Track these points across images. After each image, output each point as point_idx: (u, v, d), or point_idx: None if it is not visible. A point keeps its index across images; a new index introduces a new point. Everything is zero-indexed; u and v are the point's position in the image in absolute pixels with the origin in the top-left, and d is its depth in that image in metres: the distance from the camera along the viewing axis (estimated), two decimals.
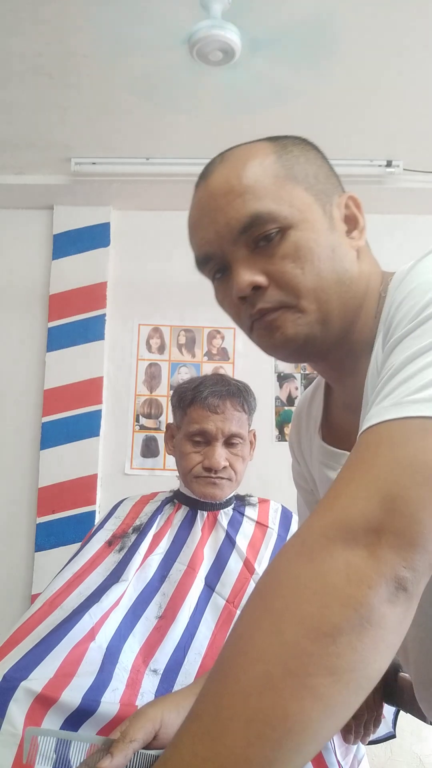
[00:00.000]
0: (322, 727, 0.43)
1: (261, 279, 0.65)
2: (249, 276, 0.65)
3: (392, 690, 1.02)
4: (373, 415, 0.52)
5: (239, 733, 0.42)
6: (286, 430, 2.29)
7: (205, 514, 1.31)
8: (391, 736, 1.15)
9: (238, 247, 0.65)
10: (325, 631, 0.43)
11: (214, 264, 0.69)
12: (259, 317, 0.67)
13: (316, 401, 0.86)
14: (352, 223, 0.70)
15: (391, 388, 0.53)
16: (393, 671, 1.02)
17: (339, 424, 0.79)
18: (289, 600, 0.46)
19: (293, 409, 2.30)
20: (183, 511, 1.32)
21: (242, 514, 1.34)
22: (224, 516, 1.31)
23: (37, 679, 0.92)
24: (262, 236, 0.64)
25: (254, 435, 1.39)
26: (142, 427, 2.31)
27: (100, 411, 2.28)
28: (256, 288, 0.65)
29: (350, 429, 0.71)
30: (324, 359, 0.73)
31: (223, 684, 0.45)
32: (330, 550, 0.46)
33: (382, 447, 0.50)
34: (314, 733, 0.43)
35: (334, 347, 0.69)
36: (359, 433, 0.53)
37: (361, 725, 1.02)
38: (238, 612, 1.15)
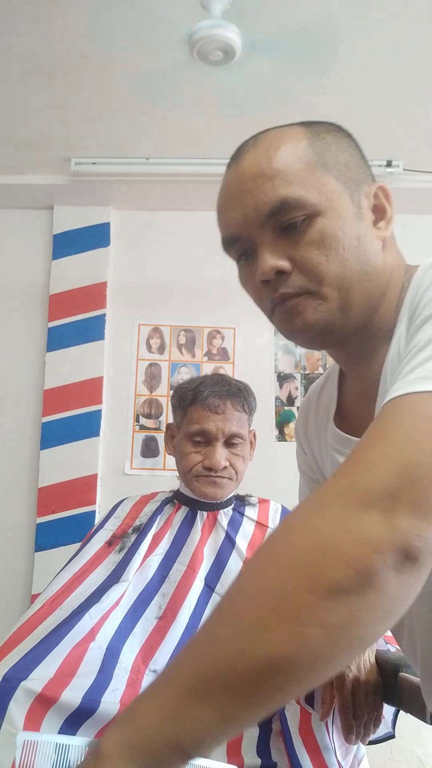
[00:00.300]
0: (307, 674, 0.45)
1: (285, 264, 0.65)
2: (273, 260, 0.65)
3: (392, 690, 1.02)
4: (398, 387, 0.53)
5: (228, 665, 0.45)
6: (286, 430, 2.29)
7: (205, 514, 1.31)
8: (391, 736, 1.15)
9: (265, 231, 0.66)
10: (324, 586, 0.44)
11: (240, 246, 0.69)
12: (280, 302, 0.67)
13: (326, 390, 0.86)
14: (380, 213, 0.70)
15: (417, 362, 0.53)
16: (393, 671, 1.02)
17: (352, 411, 0.79)
18: (296, 549, 0.47)
19: (294, 408, 2.31)
20: (183, 512, 1.32)
21: (242, 514, 1.34)
22: (224, 516, 1.31)
23: (37, 679, 0.92)
24: (289, 222, 0.65)
25: (254, 435, 1.39)
26: (142, 427, 2.31)
27: (100, 411, 2.28)
28: (280, 273, 0.66)
29: (363, 416, 0.71)
30: (343, 346, 0.73)
31: (220, 617, 0.48)
32: (344, 510, 0.47)
33: (404, 417, 0.50)
34: (298, 677, 0.45)
35: (353, 335, 0.70)
36: (383, 403, 0.54)
37: (361, 725, 1.02)
38: None
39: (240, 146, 0.70)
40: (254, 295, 0.72)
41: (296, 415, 2.30)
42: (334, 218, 0.65)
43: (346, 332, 0.69)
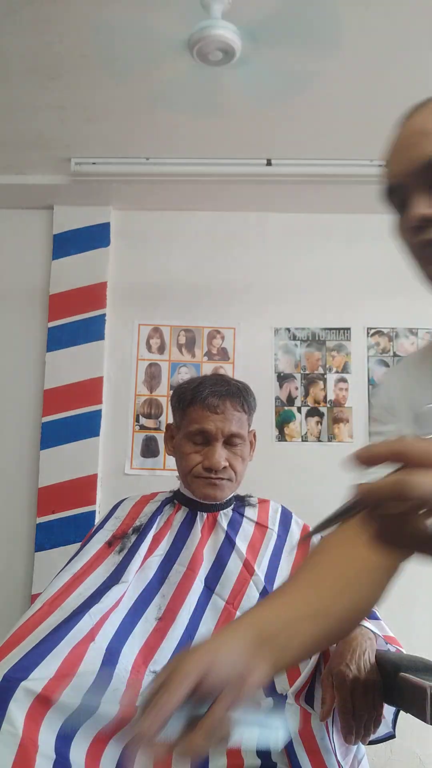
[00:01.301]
0: None
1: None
2: (422, 208, 0.71)
3: (392, 690, 1.02)
4: None
5: None
6: (286, 430, 2.29)
7: (205, 515, 1.31)
8: (391, 736, 1.14)
9: (418, 183, 0.71)
10: None
11: (396, 198, 0.75)
12: (424, 246, 0.72)
13: (416, 368, 0.87)
14: None
15: None
16: (393, 671, 1.02)
17: None
18: None
19: (294, 408, 2.31)
20: (183, 512, 1.32)
21: (242, 515, 1.33)
22: (224, 517, 1.31)
23: (37, 680, 0.92)
24: None
25: (254, 435, 1.38)
26: (142, 427, 2.31)
27: (100, 411, 2.28)
28: (428, 220, 0.70)
29: None
30: None
31: None
32: None
33: None
34: None
35: None
36: None
37: (361, 725, 1.02)
38: (238, 614, 1.15)
39: (412, 107, 0.76)
40: (404, 242, 0.76)
41: (295, 415, 2.30)
42: None
43: None
